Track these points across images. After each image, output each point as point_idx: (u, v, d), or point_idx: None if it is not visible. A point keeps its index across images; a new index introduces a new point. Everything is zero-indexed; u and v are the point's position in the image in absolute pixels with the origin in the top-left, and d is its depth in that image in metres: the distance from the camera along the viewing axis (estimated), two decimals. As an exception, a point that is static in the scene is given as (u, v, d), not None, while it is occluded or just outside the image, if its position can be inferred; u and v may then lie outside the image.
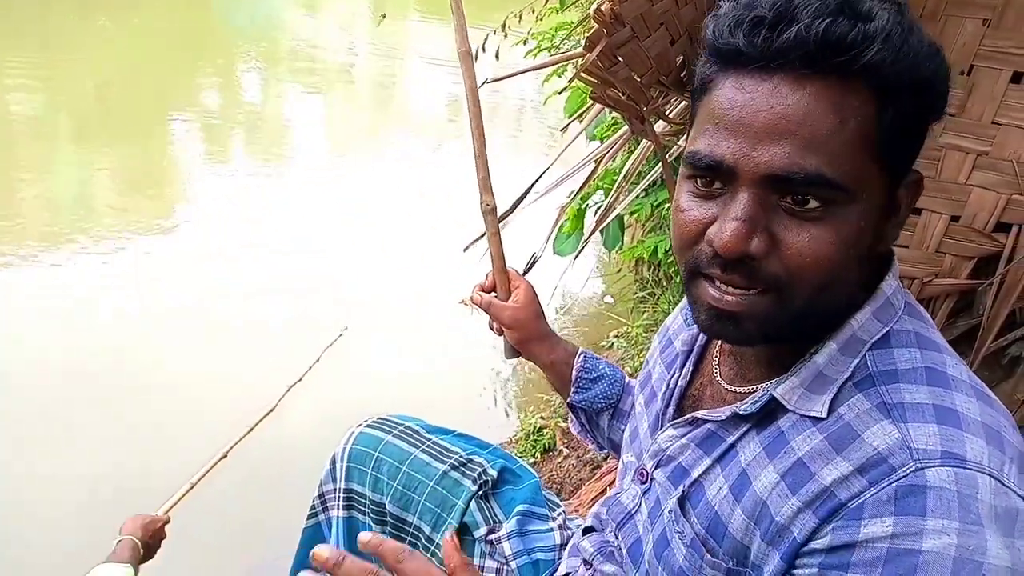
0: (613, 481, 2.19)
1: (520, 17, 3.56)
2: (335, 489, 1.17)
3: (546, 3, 3.40)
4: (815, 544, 0.61)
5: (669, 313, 0.96)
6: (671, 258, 2.88)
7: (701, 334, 0.86)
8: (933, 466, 0.57)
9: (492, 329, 1.15)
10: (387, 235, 3.86)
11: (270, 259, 3.53)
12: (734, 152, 0.60)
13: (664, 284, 3.11)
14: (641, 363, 1.15)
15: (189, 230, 3.84)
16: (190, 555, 2.02)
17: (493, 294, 1.13)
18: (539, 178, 1.91)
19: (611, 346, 3.04)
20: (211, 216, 3.99)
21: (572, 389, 1.09)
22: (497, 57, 3.19)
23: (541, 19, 3.51)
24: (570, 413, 1.15)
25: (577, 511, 2.13)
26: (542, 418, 2.52)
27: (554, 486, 2.32)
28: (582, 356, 1.10)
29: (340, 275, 3.47)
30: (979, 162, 1.29)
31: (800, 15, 0.57)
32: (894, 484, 0.58)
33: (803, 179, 0.58)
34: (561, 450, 2.38)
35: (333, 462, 1.18)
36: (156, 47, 6.78)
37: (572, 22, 3.35)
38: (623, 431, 1.03)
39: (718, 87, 0.63)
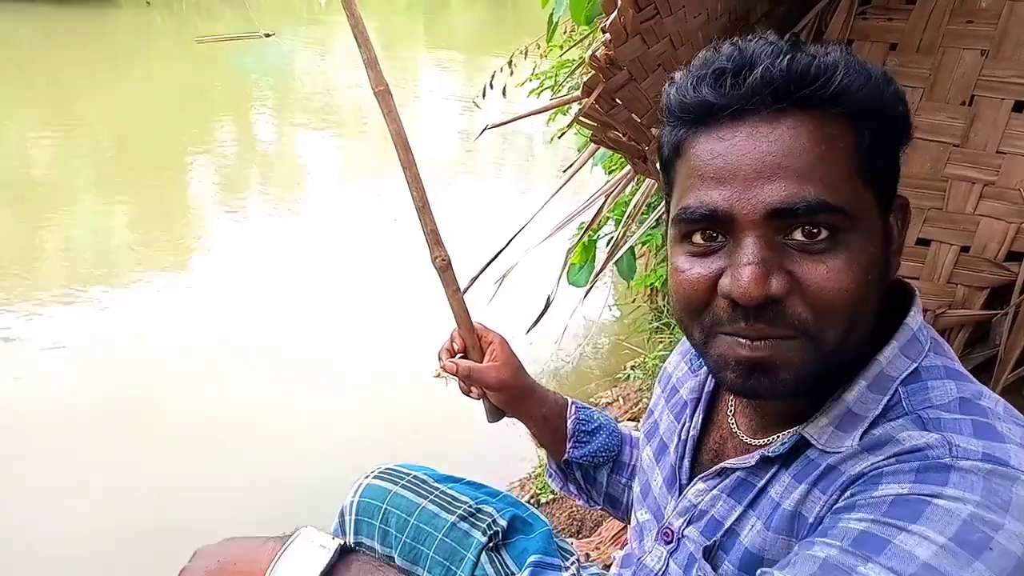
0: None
1: (526, 53, 3.60)
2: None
3: (549, 41, 3.45)
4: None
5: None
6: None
7: (709, 380, 0.84)
8: (971, 460, 0.55)
9: (469, 395, 1.05)
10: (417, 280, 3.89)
11: (284, 300, 3.56)
12: (727, 198, 0.60)
13: (679, 314, 3.08)
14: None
15: (201, 271, 3.92)
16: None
17: (460, 356, 1.03)
18: (534, 217, 1.90)
19: (628, 377, 3.02)
20: (221, 257, 4.07)
21: (570, 444, 1.04)
22: (504, 94, 3.22)
23: (545, 56, 3.54)
24: (554, 470, 1.10)
25: (598, 549, 2.10)
26: (559, 454, 2.49)
27: (573, 524, 2.29)
28: (575, 407, 1.05)
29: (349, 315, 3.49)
30: (986, 192, 1.27)
31: (759, 59, 0.59)
32: (920, 462, 0.56)
33: (806, 207, 0.58)
34: (579, 487, 2.35)
35: (341, 515, 1.16)
36: (167, 95, 6.95)
37: (574, 61, 3.39)
38: (622, 484, 1.00)
39: (693, 146, 0.63)
